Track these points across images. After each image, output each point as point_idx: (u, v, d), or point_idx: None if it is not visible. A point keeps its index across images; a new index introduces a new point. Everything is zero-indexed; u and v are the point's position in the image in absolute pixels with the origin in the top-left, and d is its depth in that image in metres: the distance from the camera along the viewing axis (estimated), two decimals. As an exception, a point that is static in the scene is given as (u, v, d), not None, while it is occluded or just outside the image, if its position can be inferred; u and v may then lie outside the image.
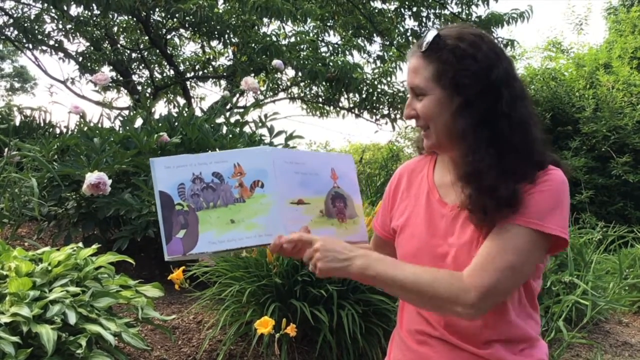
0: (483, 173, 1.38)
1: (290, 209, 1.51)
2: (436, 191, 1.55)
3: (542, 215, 1.35)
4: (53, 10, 8.83)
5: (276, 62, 5.62)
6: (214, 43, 9.92)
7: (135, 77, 10.44)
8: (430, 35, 1.45)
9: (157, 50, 9.87)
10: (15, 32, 9.05)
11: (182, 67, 10.67)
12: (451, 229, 1.47)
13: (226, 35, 8.65)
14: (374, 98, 9.69)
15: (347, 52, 10.02)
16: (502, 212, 1.36)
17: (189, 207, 1.47)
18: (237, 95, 8.15)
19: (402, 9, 10.17)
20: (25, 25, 8.66)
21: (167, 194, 1.47)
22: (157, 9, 8.71)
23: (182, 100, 10.77)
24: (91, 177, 3.27)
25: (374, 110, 10.03)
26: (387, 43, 10.47)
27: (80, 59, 9.47)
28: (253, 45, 8.65)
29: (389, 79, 10.00)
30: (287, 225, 1.48)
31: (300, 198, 1.53)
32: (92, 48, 9.51)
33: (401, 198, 1.63)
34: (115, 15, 9.26)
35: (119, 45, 9.90)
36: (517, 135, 1.40)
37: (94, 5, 7.95)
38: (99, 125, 4.82)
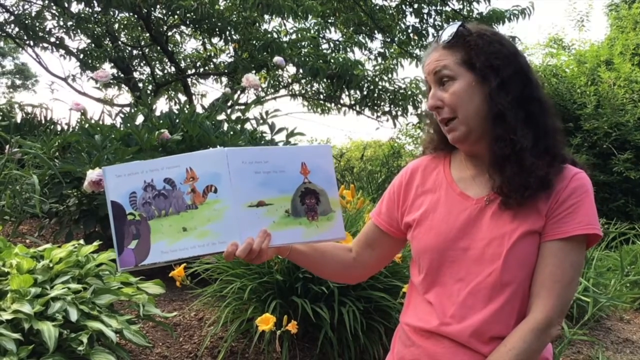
0: (524, 152, 1.42)
1: (247, 212, 1.43)
2: (456, 185, 1.55)
3: (591, 219, 1.44)
4: (54, 7, 8.83)
5: (277, 59, 5.62)
6: (215, 40, 9.92)
7: (136, 74, 10.45)
8: (453, 27, 1.48)
9: (158, 47, 9.87)
10: (16, 29, 9.06)
11: (183, 64, 10.67)
12: (477, 222, 1.48)
13: (227, 32, 8.65)
14: (375, 95, 9.69)
15: (348, 49, 10.02)
16: (537, 195, 1.42)
17: (141, 217, 1.43)
18: (238, 92, 8.16)
19: (403, 6, 10.16)
20: (26, 22, 8.67)
21: (119, 204, 1.44)
22: (157, 6, 8.70)
23: (183, 97, 10.78)
24: (92, 174, 3.27)
25: (375, 107, 10.03)
26: (388, 40, 10.46)
27: (82, 56, 9.47)
28: (254, 42, 8.65)
29: (390, 75, 10.00)
30: (242, 231, 1.41)
31: (260, 200, 1.45)
32: (93, 45, 9.51)
33: (416, 193, 1.62)
34: (116, 12, 9.26)
35: (120, 42, 9.89)
36: (548, 120, 1.48)
37: (94, 2, 7.96)
38: (100, 122, 4.82)
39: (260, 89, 5.20)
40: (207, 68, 10.57)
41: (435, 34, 10.07)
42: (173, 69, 10.45)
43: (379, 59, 10.57)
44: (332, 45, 10.10)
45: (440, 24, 10.09)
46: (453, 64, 1.45)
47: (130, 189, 1.44)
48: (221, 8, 8.66)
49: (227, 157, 1.42)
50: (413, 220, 1.58)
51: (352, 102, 10.33)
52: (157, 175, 1.43)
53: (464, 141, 1.51)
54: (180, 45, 11.21)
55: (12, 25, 9.01)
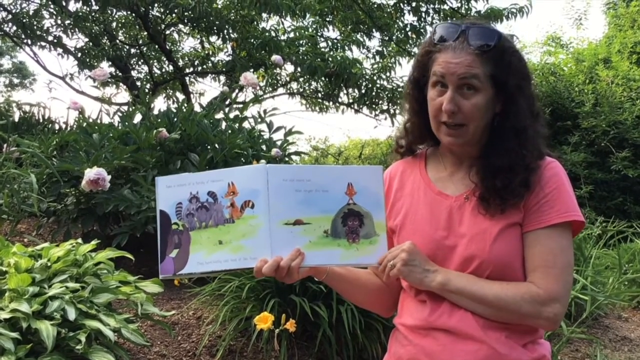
0: (519, 168, 1.45)
1: (282, 230, 1.43)
2: (434, 185, 1.57)
3: (569, 206, 1.46)
4: (52, 6, 8.81)
5: (275, 57, 5.61)
6: (213, 38, 9.91)
7: (134, 73, 10.43)
8: (491, 35, 1.46)
9: (156, 46, 9.85)
10: (14, 28, 9.02)
11: (181, 63, 10.66)
12: (458, 218, 1.50)
13: (225, 31, 8.64)
14: (373, 93, 9.69)
15: (346, 48, 10.00)
16: (518, 204, 1.46)
17: (184, 227, 1.47)
18: (236, 90, 8.16)
19: (401, 4, 10.14)
20: (24, 20, 8.63)
21: (166, 213, 1.48)
22: (155, 4, 8.69)
23: (181, 96, 10.77)
24: (90, 173, 3.26)
25: (373, 106, 10.03)
26: (387, 38, 10.45)
27: (79, 54, 9.44)
28: (252, 40, 8.64)
29: (388, 74, 10.00)
30: (274, 248, 1.42)
31: (298, 218, 1.45)
32: (91, 44, 9.48)
33: (395, 198, 1.63)
34: (114, 10, 9.23)
35: (117, 41, 9.86)
36: (540, 131, 1.52)
37: (92, 0, 7.94)
38: (98, 121, 4.81)
39: (258, 88, 5.20)
40: (205, 67, 10.55)
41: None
42: (171, 67, 10.43)
43: (377, 57, 10.57)
44: (330, 43, 10.09)
45: (438, 22, 10.06)
46: (483, 75, 1.45)
47: (177, 200, 1.48)
48: (219, 6, 8.65)
49: (268, 174, 1.44)
50: (396, 225, 1.60)
51: (351, 101, 10.33)
52: (203, 188, 1.47)
53: (461, 146, 1.54)
54: (178, 44, 11.19)
55: (10, 24, 8.97)
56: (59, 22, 9.12)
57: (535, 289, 1.42)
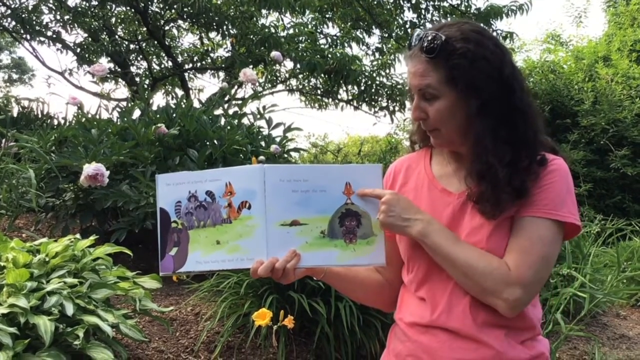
0: (499, 170, 1.43)
1: (278, 231, 1.44)
2: (438, 182, 1.57)
3: (558, 206, 1.43)
4: (51, 1, 8.79)
5: (275, 53, 5.60)
6: (212, 34, 9.90)
7: (133, 69, 10.40)
8: (435, 39, 1.43)
9: (155, 42, 9.83)
10: (13, 23, 9.00)
11: (180, 59, 10.64)
12: (460, 216, 1.50)
13: (224, 27, 8.62)
14: (373, 90, 9.68)
15: (346, 44, 9.99)
16: (514, 204, 1.43)
17: (183, 225, 1.48)
18: (236, 86, 8.13)
19: (401, 1, 10.13)
20: (23, 16, 8.61)
21: (166, 211, 1.49)
22: (155, 0, 8.67)
23: (180, 92, 10.74)
24: (89, 168, 3.26)
25: (373, 103, 10.02)
26: (386, 35, 10.44)
27: (78, 50, 9.43)
28: (251, 36, 8.62)
29: (387, 71, 10.00)
30: (270, 249, 1.43)
31: (294, 219, 1.45)
32: (90, 39, 9.47)
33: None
34: (113, 6, 9.22)
35: (117, 37, 9.85)
36: (529, 130, 1.47)
37: (91, -5, 7.93)
38: (97, 117, 4.80)
39: (257, 84, 5.19)
40: (204, 63, 10.54)
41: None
42: (170, 63, 10.41)
43: (377, 54, 10.55)
44: (329, 40, 10.07)
45: (438, 19, 10.07)
46: (436, 82, 1.44)
47: (176, 198, 1.49)
48: (218, 2, 8.63)
49: (265, 175, 1.44)
50: None
51: (350, 98, 10.32)
52: (201, 187, 1.48)
53: (447, 147, 1.56)
54: (177, 40, 11.17)
55: (9, 19, 8.96)
56: (58, 17, 9.10)
57: (505, 268, 1.40)
